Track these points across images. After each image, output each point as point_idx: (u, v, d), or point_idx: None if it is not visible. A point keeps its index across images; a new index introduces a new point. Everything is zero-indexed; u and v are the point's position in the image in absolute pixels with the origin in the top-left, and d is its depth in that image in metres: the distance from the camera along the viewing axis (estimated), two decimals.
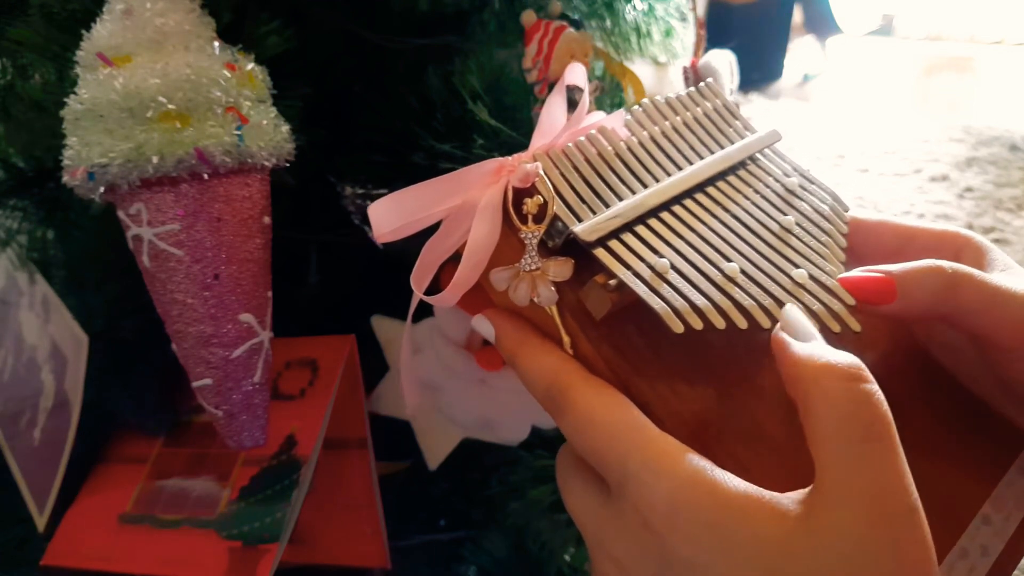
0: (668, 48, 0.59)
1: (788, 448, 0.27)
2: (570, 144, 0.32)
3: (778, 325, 0.28)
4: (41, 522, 0.50)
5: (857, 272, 0.32)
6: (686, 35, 0.59)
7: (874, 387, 0.25)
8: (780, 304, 0.30)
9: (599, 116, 0.36)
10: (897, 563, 0.23)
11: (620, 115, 0.35)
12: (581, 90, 0.36)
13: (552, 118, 0.34)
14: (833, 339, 0.31)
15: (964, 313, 0.30)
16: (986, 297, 0.29)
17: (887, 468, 0.23)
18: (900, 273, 0.30)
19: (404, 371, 0.38)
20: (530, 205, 0.29)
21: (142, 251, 0.37)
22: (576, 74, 0.36)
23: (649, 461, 0.26)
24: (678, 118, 0.36)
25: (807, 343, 0.27)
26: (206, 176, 0.35)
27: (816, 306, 0.30)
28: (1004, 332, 0.29)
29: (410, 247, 0.33)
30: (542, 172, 0.30)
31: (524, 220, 0.30)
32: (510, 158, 0.32)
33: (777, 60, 3.06)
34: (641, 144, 0.34)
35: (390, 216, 0.31)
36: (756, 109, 2.77)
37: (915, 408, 0.33)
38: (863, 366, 0.25)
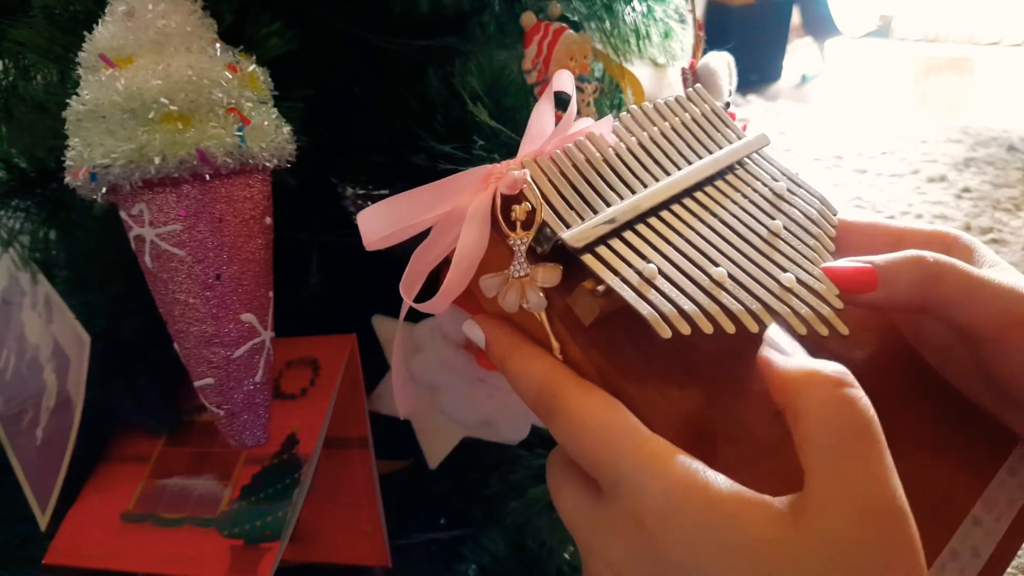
0: (667, 50, 0.59)
1: (777, 450, 0.28)
2: (558, 151, 0.32)
3: (761, 348, 0.28)
4: (43, 521, 0.50)
5: (841, 262, 0.32)
6: (685, 37, 0.60)
7: (859, 392, 0.25)
8: (768, 308, 0.30)
9: (587, 123, 0.36)
10: (885, 564, 0.23)
11: (608, 121, 0.35)
12: (570, 96, 0.36)
13: (540, 125, 0.34)
14: (823, 342, 0.31)
15: (945, 304, 0.30)
16: (967, 288, 0.29)
17: (874, 471, 0.24)
18: (883, 263, 0.31)
19: (396, 377, 0.38)
20: (518, 212, 0.30)
21: (144, 251, 0.37)
22: (564, 81, 0.36)
23: (642, 463, 0.26)
24: (666, 123, 0.36)
25: (791, 357, 0.27)
26: (208, 177, 0.36)
27: (804, 310, 0.30)
28: (985, 323, 0.29)
29: (412, 247, 0.33)
30: (530, 179, 0.30)
31: (512, 227, 0.30)
32: (498, 165, 0.32)
33: (775, 61, 3.06)
34: (629, 150, 0.34)
35: (379, 224, 0.32)
36: (754, 110, 2.77)
37: (905, 409, 0.33)
38: (848, 372, 0.26)
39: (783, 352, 0.28)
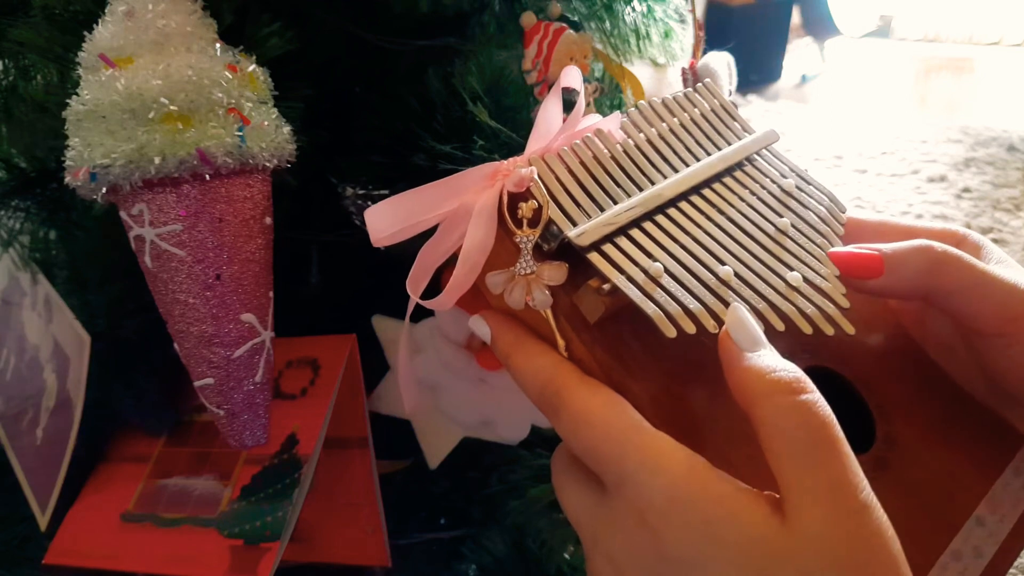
0: (667, 50, 0.59)
1: None
2: (565, 148, 0.32)
3: (724, 326, 0.28)
4: (43, 521, 0.50)
5: (847, 248, 0.32)
6: (685, 37, 0.59)
7: (814, 396, 0.25)
8: (774, 308, 0.30)
9: (595, 119, 0.36)
10: (860, 560, 0.23)
11: (616, 117, 0.35)
12: (578, 93, 0.36)
13: (548, 122, 0.34)
14: (830, 341, 0.31)
15: (947, 293, 0.30)
16: (970, 279, 0.30)
17: (836, 469, 0.24)
18: (890, 250, 0.31)
19: (402, 373, 0.38)
20: (525, 209, 0.30)
21: (144, 251, 0.37)
22: (572, 77, 0.36)
23: (646, 459, 0.26)
24: (675, 120, 0.35)
25: (754, 353, 0.27)
26: (208, 177, 0.36)
27: (810, 309, 0.30)
28: (984, 316, 0.30)
29: (411, 247, 0.33)
30: (536, 176, 0.30)
31: (519, 224, 0.30)
32: (505, 162, 0.32)
33: (775, 61, 3.06)
34: (637, 147, 0.34)
35: (386, 220, 0.32)
36: (754, 110, 2.77)
37: (911, 408, 0.33)
38: (805, 377, 0.26)
39: (747, 342, 0.27)
